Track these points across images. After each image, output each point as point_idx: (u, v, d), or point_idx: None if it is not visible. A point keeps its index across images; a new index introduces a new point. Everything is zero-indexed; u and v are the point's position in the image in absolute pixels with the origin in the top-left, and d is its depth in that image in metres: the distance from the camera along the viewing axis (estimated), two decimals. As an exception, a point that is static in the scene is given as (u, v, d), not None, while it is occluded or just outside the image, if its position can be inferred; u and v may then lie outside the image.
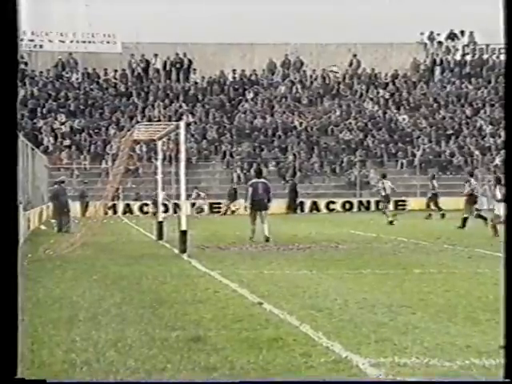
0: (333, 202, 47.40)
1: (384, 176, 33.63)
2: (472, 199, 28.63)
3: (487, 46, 59.93)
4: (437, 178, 40.52)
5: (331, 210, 46.71)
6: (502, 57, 59.54)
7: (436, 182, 37.67)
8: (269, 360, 7.15)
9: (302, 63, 58.13)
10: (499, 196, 22.87)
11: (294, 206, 46.45)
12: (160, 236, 23.46)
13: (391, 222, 31.01)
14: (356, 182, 49.61)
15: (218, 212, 44.98)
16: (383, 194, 32.43)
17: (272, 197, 23.41)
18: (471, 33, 60.21)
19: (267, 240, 21.57)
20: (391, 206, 35.65)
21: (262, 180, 23.11)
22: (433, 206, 36.60)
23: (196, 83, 56.13)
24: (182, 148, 19.69)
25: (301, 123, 53.40)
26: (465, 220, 27.78)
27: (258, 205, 22.35)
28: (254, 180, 23.31)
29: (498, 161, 51.57)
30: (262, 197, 22.38)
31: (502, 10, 5.20)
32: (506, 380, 5.20)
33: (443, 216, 34.94)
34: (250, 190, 22.66)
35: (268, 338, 8.14)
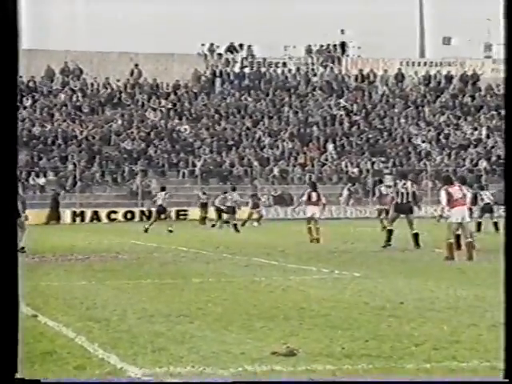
0: (114, 212, 47.02)
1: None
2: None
3: (264, 59, 61.66)
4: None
5: (112, 220, 46.32)
6: (279, 70, 61.50)
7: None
8: (41, 375, 6.96)
9: (81, 71, 57.36)
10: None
11: (56, 216, 45.56)
12: None
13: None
14: (138, 192, 49.49)
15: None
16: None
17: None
18: (249, 46, 61.74)
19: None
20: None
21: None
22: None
23: (-29, 89, 54.04)
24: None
25: (81, 132, 52.67)
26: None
27: None
28: None
29: (276, 171, 53.10)
30: None
31: (502, 12, 5.29)
32: (506, 380, 5.24)
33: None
34: None
35: (42, 351, 7.93)
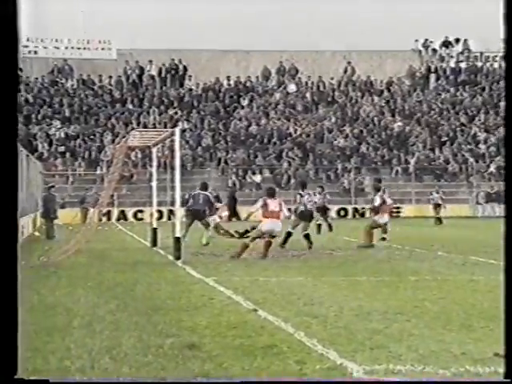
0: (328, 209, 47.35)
1: None
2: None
3: (481, 53, 60.05)
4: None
5: (326, 217, 46.61)
6: (496, 64, 59.69)
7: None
8: (263, 367, 7.14)
9: (297, 70, 58.19)
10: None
11: (234, 214, 44.98)
12: (154, 243, 23.43)
13: None
14: (351, 189, 49.61)
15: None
16: None
17: (214, 208, 25.19)
18: (465, 40, 60.34)
19: (205, 245, 23.09)
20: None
21: (205, 192, 24.30)
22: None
23: (191, 90, 56.14)
24: (177, 155, 19.67)
25: (296, 130, 53.41)
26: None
27: (194, 214, 23.94)
28: (197, 192, 24.36)
29: (492, 168, 51.62)
30: (200, 207, 23.78)
31: (501, 11, 5.17)
32: (506, 380, 5.17)
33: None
34: (191, 200, 24.13)
35: (263, 345, 8.12)
